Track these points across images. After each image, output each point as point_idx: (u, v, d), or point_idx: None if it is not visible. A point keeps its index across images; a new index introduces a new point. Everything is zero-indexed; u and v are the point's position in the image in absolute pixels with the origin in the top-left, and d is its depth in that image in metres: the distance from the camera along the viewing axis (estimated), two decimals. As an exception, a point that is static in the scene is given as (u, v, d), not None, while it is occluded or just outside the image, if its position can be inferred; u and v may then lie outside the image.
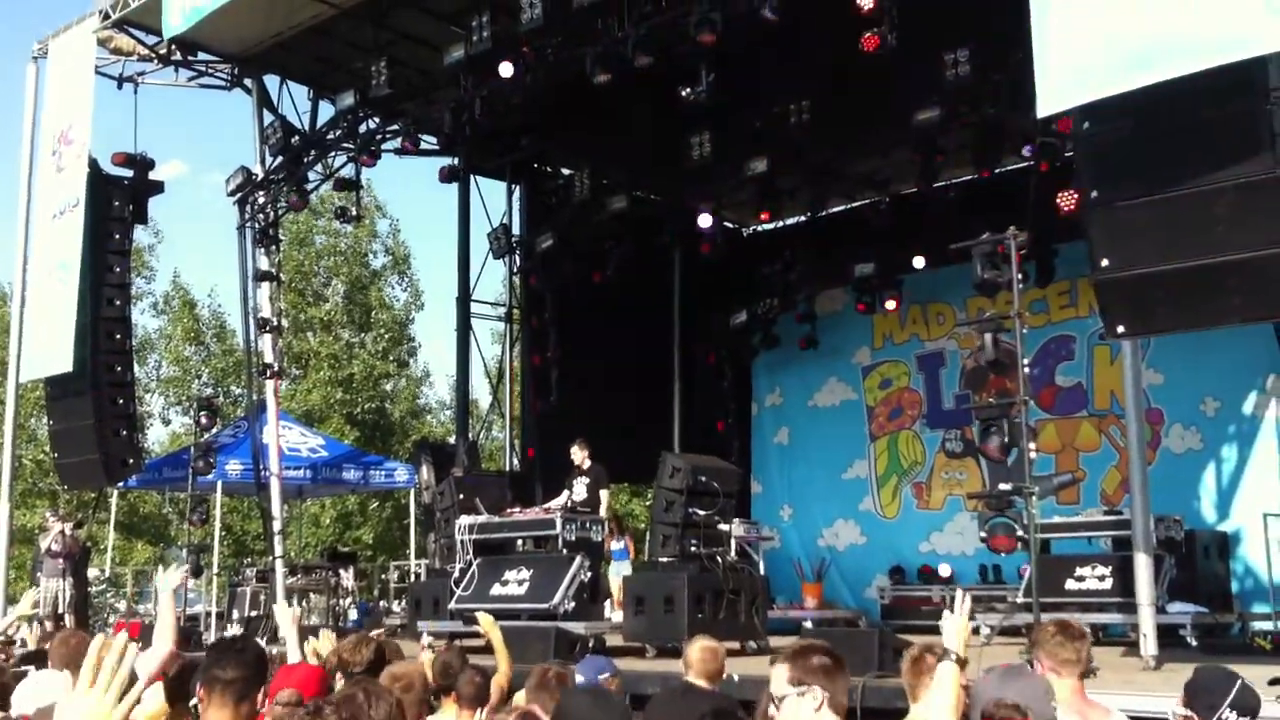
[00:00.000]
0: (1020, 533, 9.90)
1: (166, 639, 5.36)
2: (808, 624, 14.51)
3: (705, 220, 17.69)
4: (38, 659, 6.73)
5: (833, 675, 3.62)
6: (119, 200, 15.16)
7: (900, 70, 12.52)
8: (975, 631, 12.69)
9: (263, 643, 7.19)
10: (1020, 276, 10.10)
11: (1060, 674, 4.55)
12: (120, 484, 18.99)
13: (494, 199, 18.81)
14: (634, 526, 18.95)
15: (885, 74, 12.73)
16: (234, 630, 8.87)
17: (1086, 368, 16.70)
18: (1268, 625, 12.08)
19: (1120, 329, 8.13)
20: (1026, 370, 9.87)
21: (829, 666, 3.64)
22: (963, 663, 4.15)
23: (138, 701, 2.23)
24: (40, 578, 16.01)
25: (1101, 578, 11.92)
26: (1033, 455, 9.68)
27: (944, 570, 16.91)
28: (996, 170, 15.97)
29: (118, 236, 15.18)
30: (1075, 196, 12.68)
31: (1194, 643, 10.90)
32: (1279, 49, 7.01)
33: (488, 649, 7.69)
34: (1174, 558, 11.81)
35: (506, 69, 13.24)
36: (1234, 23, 6.97)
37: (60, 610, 15.44)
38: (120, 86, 15.99)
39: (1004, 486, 9.81)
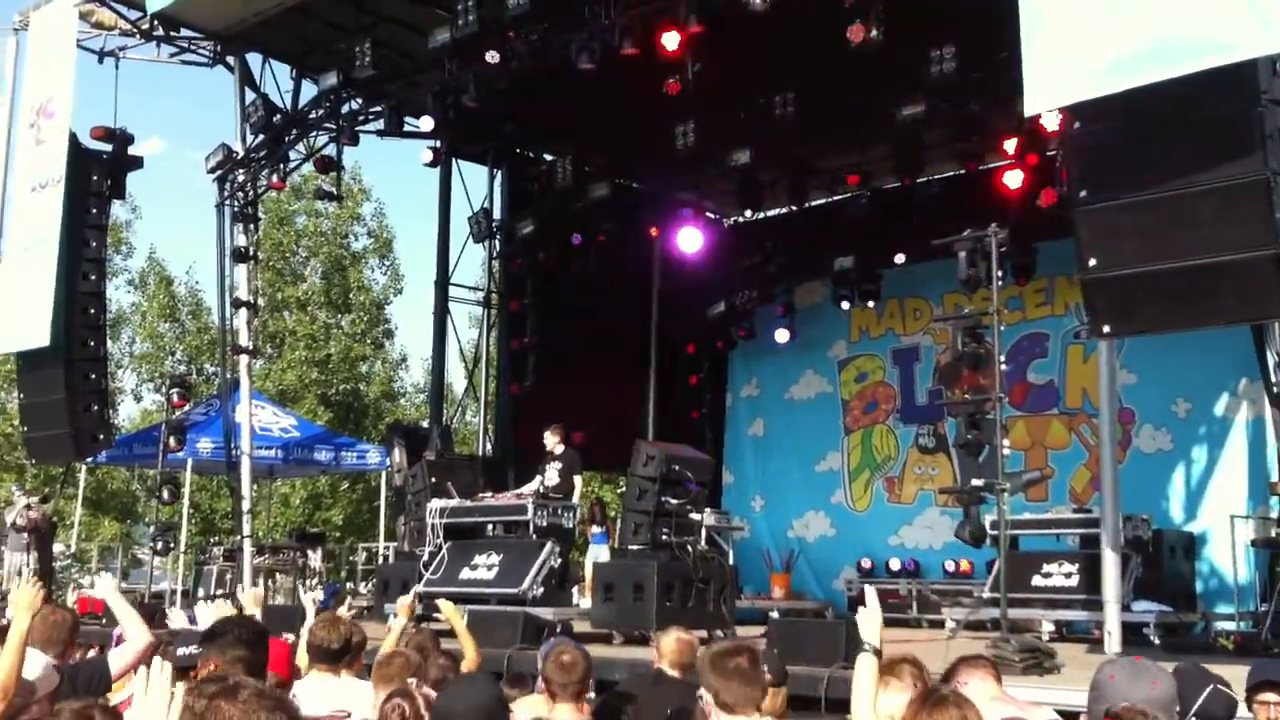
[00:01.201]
0: (990, 529, 9.95)
1: (138, 635, 5.47)
2: (775, 614, 14.55)
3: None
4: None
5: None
6: (97, 175, 15.05)
7: (885, 65, 12.52)
8: (941, 625, 12.80)
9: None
10: (999, 273, 10.15)
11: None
12: (89, 459, 18.90)
13: (476, 183, 18.77)
14: (609, 516, 18.96)
15: (870, 69, 12.73)
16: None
17: (1059, 366, 16.79)
18: (1230, 625, 12.18)
19: (1106, 328, 8.16)
20: (1003, 367, 9.91)
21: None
22: (879, 653, 4.22)
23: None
24: (4, 551, 15.92)
25: (1068, 575, 11.99)
26: (1006, 452, 9.73)
27: (912, 564, 17.00)
28: (979, 167, 16.04)
29: (95, 211, 15.08)
30: (1054, 194, 12.79)
31: (1157, 641, 10.99)
32: (1263, 54, 7.06)
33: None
34: (1140, 557, 11.89)
35: (492, 56, 13.18)
36: (1219, 27, 7.01)
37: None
38: (101, 61, 15.85)
39: (976, 482, 9.86)
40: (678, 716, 4.69)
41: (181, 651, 4.83)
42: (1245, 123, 7.32)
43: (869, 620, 4.30)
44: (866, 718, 4.12)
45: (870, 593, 4.48)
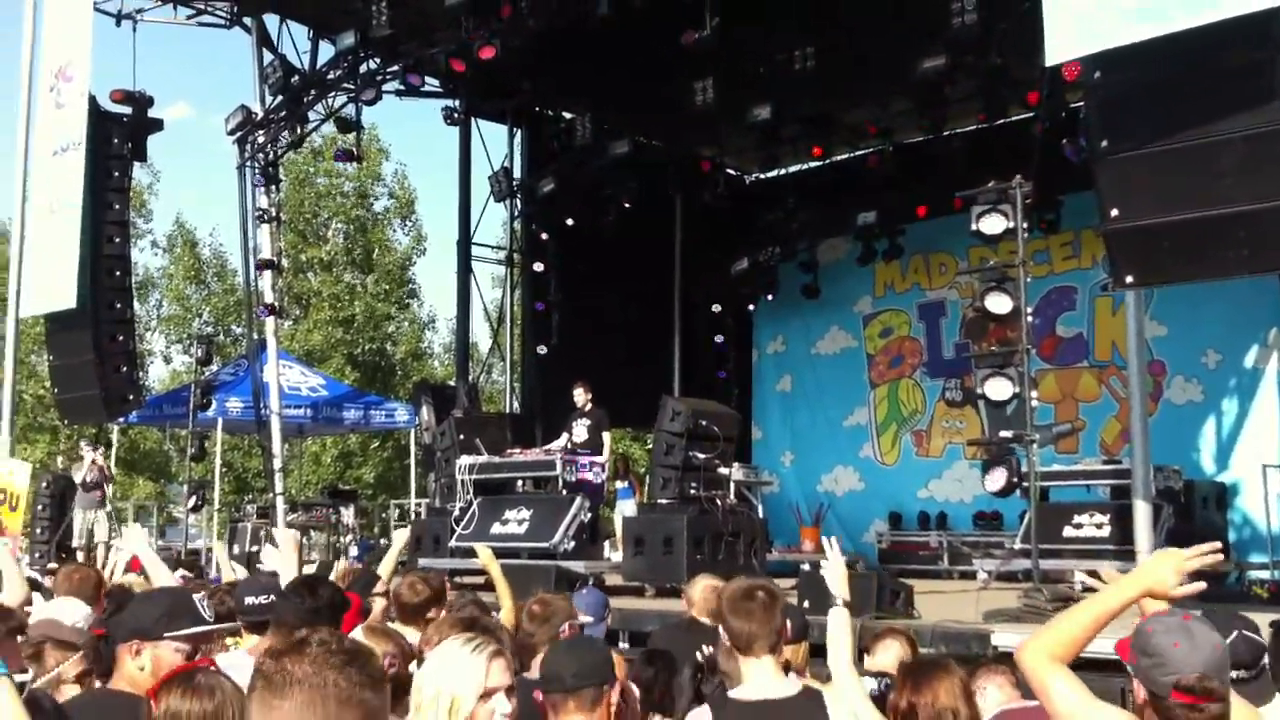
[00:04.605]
0: (1020, 480, 9.94)
1: (163, 579, 5.42)
2: (805, 566, 14.59)
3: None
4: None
5: None
6: (118, 138, 15.05)
7: (905, 18, 12.42)
8: (973, 576, 12.83)
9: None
10: (1024, 226, 10.08)
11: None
12: (121, 420, 19.07)
13: (496, 142, 18.71)
14: (635, 470, 19.02)
15: (890, 21, 12.64)
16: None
17: (1088, 319, 16.70)
18: (1265, 575, 12.17)
19: (1129, 279, 8.11)
20: (1029, 320, 9.87)
21: None
22: (849, 605, 4.25)
23: None
24: (76, 511, 16.04)
25: (1099, 525, 11.96)
26: (1033, 404, 9.71)
27: (941, 517, 17.02)
28: (1002, 120, 15.89)
29: (117, 174, 15.08)
30: (1073, 145, 12.65)
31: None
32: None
33: (489, 586, 7.72)
34: (1172, 507, 11.85)
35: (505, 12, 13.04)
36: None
37: (94, 542, 15.54)
38: (119, 23, 15.86)
39: (1004, 434, 9.84)
40: (711, 661, 4.71)
41: (249, 601, 4.64)
42: (1265, 71, 7.23)
43: (834, 572, 4.32)
44: (845, 670, 4.08)
45: (830, 544, 4.47)
